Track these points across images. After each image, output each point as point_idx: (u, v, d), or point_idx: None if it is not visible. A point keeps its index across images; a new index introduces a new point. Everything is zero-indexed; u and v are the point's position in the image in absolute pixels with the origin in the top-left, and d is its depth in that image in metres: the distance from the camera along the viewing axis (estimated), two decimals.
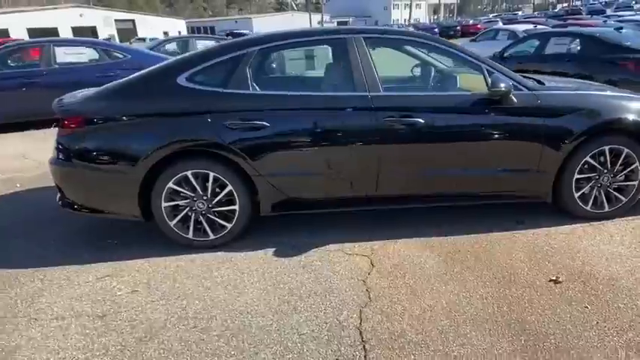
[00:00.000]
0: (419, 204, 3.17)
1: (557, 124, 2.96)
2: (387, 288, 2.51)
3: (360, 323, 2.22)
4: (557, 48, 7.24)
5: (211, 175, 2.93)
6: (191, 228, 3.03)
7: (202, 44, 11.12)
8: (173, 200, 2.98)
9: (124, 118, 2.91)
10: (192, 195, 2.97)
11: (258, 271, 2.77)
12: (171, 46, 12.49)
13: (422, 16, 73.73)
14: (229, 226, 3.04)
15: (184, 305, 2.46)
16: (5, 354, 2.16)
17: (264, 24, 49.04)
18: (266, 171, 2.94)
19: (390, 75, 3.38)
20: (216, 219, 3.03)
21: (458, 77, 3.22)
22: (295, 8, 79.88)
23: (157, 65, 3.19)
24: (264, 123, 2.87)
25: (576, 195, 3.11)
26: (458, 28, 30.86)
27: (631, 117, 3.00)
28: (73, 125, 2.93)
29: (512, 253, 2.82)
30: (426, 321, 2.22)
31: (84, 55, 7.82)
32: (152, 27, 45.89)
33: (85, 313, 2.43)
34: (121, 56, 7.97)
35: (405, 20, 65.25)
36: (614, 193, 3.14)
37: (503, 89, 2.83)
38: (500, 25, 14.71)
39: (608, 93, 3.26)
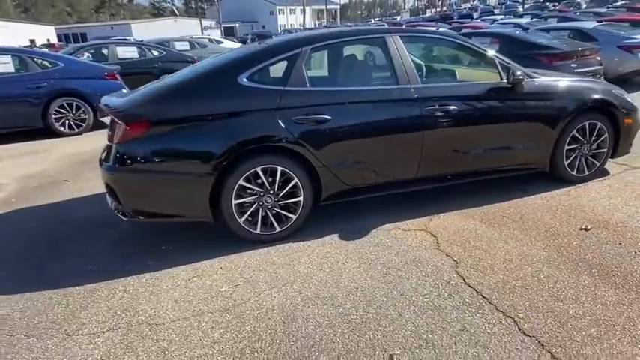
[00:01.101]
0: (452, 181, 3.60)
1: (555, 105, 3.63)
2: (463, 252, 2.91)
3: (464, 280, 2.58)
4: None
5: (279, 169, 3.05)
6: (259, 223, 3.11)
7: (123, 50, 10.59)
8: (241, 197, 3.03)
9: (191, 119, 2.90)
10: (261, 190, 3.06)
11: (340, 254, 2.97)
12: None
13: (306, 21, 76.36)
14: (294, 217, 3.18)
15: (299, 289, 2.58)
16: (161, 358, 2.11)
17: (145, 30, 46.68)
18: (329, 162, 3.14)
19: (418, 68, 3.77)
20: (282, 212, 3.15)
21: (474, 69, 3.74)
22: (177, 13, 77.09)
23: (209, 66, 3.21)
24: (326, 117, 3.08)
25: (566, 163, 3.83)
26: None
27: (601, 96, 3.79)
28: (138, 130, 2.83)
29: (536, 213, 3.40)
30: (514, 270, 2.65)
31: (8, 64, 6.99)
32: (14, 34, 40.97)
33: (205, 311, 2.44)
34: (50, 65, 7.30)
35: (291, 25, 66.93)
36: (591, 159, 3.94)
37: (520, 77, 3.41)
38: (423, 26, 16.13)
39: (583, 80, 4.05)
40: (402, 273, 2.70)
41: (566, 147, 3.78)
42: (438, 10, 59.11)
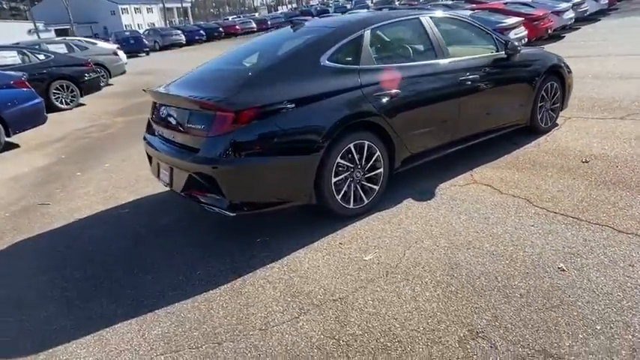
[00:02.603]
0: (474, 140, 4.19)
1: (534, 68, 4.49)
2: (522, 192, 3.51)
3: (547, 210, 3.18)
4: None
5: (366, 143, 3.25)
6: (352, 198, 3.28)
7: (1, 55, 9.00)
8: (337, 175, 3.16)
9: (293, 101, 2.92)
10: (352, 166, 3.23)
11: (431, 211, 3.34)
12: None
13: (155, 20, 71.69)
14: (377, 188, 3.42)
15: (432, 243, 2.89)
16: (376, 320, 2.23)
17: None
18: (401, 131, 3.45)
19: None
20: (367, 184, 3.36)
21: (477, 44, 4.36)
22: None
23: (293, 49, 3.29)
24: (397, 90, 3.37)
25: (539, 117, 4.75)
26: (221, 29, 32.05)
27: (556, 61, 4.77)
28: (247, 117, 2.75)
29: (542, 157, 4.19)
30: (571, 196, 3.33)
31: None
32: None
33: (371, 278, 2.60)
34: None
35: (138, 25, 62.07)
36: (551, 113, 4.93)
37: (518, 49, 4.14)
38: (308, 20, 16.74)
39: (541, 49, 4.99)
40: (498, 215, 3.18)
41: (539, 103, 4.69)
42: (295, 6, 61.05)
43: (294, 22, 3.80)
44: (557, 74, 4.82)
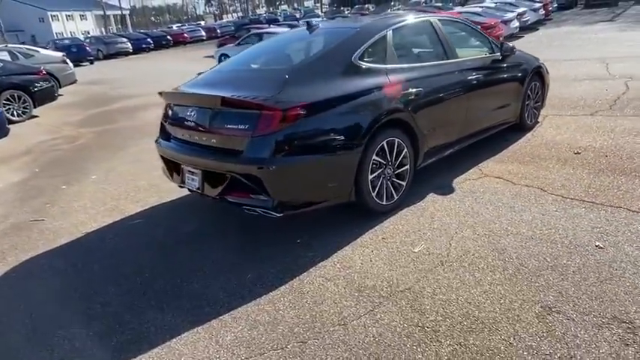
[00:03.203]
0: (479, 137, 4.41)
1: (523, 68, 4.82)
2: (533, 182, 3.76)
3: (562, 196, 3.43)
4: None
5: (396, 141, 3.35)
6: (384, 194, 3.35)
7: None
8: (373, 172, 3.22)
9: (332, 100, 2.96)
10: (384, 163, 3.30)
11: (456, 202, 3.49)
12: None
13: (90, 28, 68.02)
14: (404, 184, 3.52)
15: (472, 232, 3.02)
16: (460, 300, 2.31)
17: None
18: (424, 128, 3.58)
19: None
20: (397, 180, 3.45)
21: (473, 45, 4.61)
22: None
23: (325, 48, 3.36)
24: (420, 89, 3.51)
25: (526, 115, 5.10)
26: (169, 37, 31.03)
27: (539, 63, 5.14)
28: (295, 115, 2.75)
29: (537, 151, 4.50)
30: (579, 184, 3.62)
31: None
32: None
33: (427, 268, 2.67)
34: None
35: (71, 33, 58.62)
36: (534, 110, 5.31)
37: (515, 50, 4.45)
38: (266, 29, 16.49)
39: (527, 53, 5.36)
40: (521, 203, 3.38)
41: (526, 102, 5.04)
42: (242, 15, 60.46)
43: (310, 25, 3.83)
44: (539, 74, 5.21)
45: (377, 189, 3.28)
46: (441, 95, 3.76)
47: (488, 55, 4.47)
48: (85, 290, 2.85)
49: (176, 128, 3.42)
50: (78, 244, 3.51)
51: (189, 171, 3.26)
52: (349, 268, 2.76)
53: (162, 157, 3.59)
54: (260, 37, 14.23)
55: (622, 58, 9.24)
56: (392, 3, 35.36)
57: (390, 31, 3.56)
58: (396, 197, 3.45)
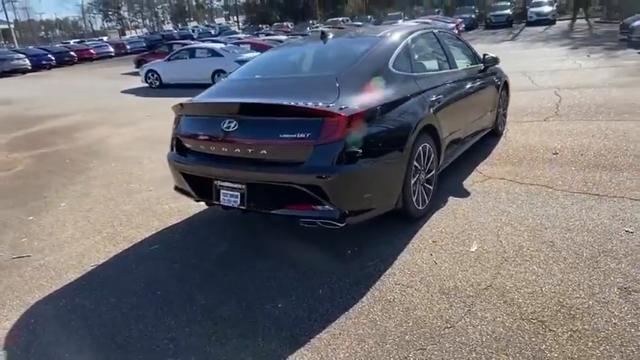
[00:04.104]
0: (473, 141, 4.68)
1: (498, 78, 5.26)
2: (536, 179, 4.09)
3: (567, 191, 3.77)
4: None
5: (427, 146, 3.44)
6: (420, 199, 3.41)
7: None
8: (413, 177, 3.27)
9: (385, 106, 2.98)
10: (420, 168, 3.38)
11: (475, 203, 3.66)
12: None
13: None
14: (432, 188, 3.62)
15: (512, 229, 3.19)
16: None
17: None
18: (445, 133, 3.72)
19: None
20: (427, 185, 3.54)
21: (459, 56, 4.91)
22: None
23: (364, 56, 3.32)
24: (440, 95, 3.66)
25: (498, 121, 5.54)
26: (72, 53, 28.38)
27: (505, 76, 5.65)
28: (358, 121, 2.73)
29: (521, 153, 4.90)
30: (574, 178, 4.01)
31: None
32: None
33: (495, 265, 2.78)
34: None
35: None
36: (503, 118, 5.79)
37: (497, 60, 4.83)
38: (198, 44, 15.70)
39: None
40: (538, 200, 3.66)
41: (499, 109, 5.48)
42: (147, 31, 57.61)
43: (324, 34, 3.81)
44: (505, 84, 5.71)
45: (415, 194, 3.34)
46: (453, 101, 3.96)
47: (475, 65, 4.81)
48: (137, 326, 2.50)
49: (202, 142, 3.18)
50: (95, 279, 3.06)
51: (227, 187, 3.04)
52: (420, 272, 2.77)
53: (184, 174, 3.30)
54: (192, 52, 13.78)
55: (540, 72, 10.46)
56: (310, 22, 36.36)
57: (410, 40, 3.69)
58: (427, 201, 3.54)
